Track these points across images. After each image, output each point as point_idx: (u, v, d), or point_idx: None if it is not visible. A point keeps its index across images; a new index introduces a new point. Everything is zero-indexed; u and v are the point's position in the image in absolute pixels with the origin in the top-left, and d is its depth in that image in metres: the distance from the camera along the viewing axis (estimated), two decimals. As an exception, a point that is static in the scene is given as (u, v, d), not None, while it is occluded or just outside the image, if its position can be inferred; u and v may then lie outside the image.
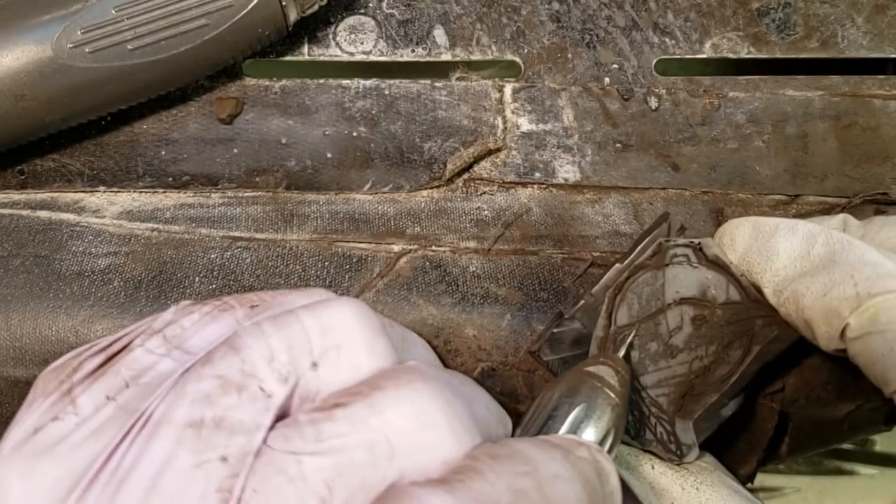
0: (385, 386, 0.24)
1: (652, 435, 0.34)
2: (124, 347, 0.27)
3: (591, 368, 0.31)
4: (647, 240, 0.35)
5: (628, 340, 0.34)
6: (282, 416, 0.24)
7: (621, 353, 0.33)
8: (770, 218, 0.34)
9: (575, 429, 0.29)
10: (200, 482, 0.21)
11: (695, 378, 0.34)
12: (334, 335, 0.26)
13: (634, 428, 0.34)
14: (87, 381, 0.25)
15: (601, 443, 0.29)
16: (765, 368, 0.35)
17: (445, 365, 0.38)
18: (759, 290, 0.33)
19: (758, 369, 0.34)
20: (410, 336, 0.33)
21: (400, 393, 0.24)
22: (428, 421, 0.24)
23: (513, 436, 0.30)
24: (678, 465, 0.34)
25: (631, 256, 0.35)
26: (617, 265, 0.35)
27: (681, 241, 0.35)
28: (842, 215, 0.34)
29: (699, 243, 0.34)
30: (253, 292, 0.30)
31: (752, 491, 0.41)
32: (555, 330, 0.35)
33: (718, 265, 0.34)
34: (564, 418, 0.29)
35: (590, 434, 0.29)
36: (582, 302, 0.35)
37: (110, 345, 0.27)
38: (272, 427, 0.23)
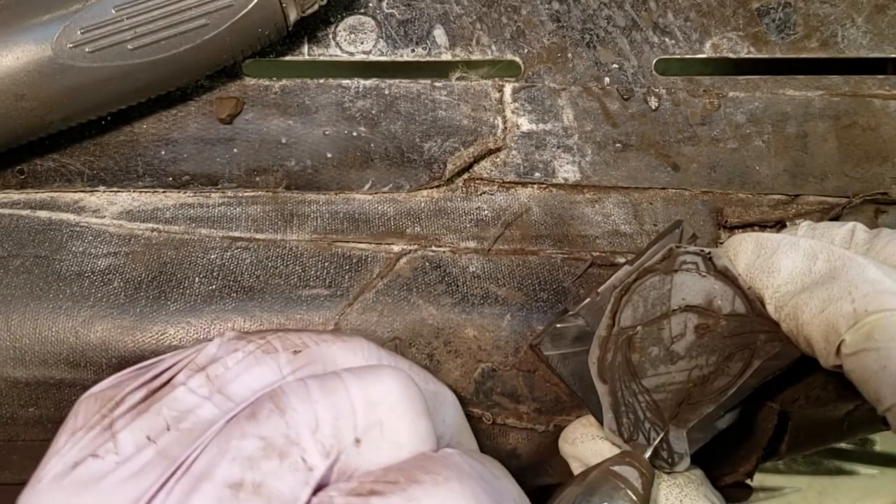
0: (423, 481, 0.24)
1: (645, 440, 0.34)
2: (167, 382, 0.27)
3: (615, 468, 0.31)
4: (658, 244, 0.35)
5: (654, 444, 0.33)
6: (319, 486, 0.24)
7: (648, 453, 0.33)
8: (773, 234, 0.34)
9: None
10: None
11: (693, 387, 0.34)
12: (379, 411, 0.26)
13: (628, 430, 0.34)
14: (128, 415, 0.26)
15: None
16: (765, 383, 0.35)
17: (445, 365, 0.38)
18: (763, 304, 0.33)
19: (756, 384, 0.34)
20: (443, 393, 0.34)
21: (438, 491, 0.24)
22: None
23: None
24: (668, 472, 0.34)
25: (641, 259, 0.35)
26: (626, 266, 0.35)
27: (691, 248, 0.34)
28: (851, 224, 0.34)
29: (709, 253, 0.34)
30: (296, 333, 0.30)
31: (752, 491, 0.41)
32: (558, 325, 0.35)
33: (727, 276, 0.34)
34: None
35: None
36: (588, 300, 0.35)
37: (153, 378, 0.27)
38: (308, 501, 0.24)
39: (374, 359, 0.31)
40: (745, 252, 0.34)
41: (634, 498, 0.30)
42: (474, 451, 0.31)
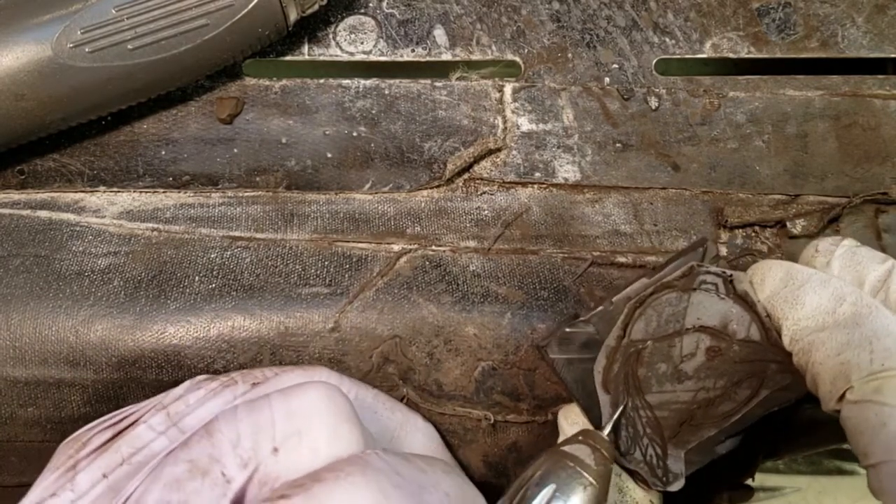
0: (325, 478, 0.25)
1: (641, 455, 0.34)
2: (134, 423, 0.28)
3: (567, 448, 0.31)
4: (679, 260, 0.35)
5: (615, 416, 0.33)
6: (241, 497, 0.25)
7: (606, 430, 0.33)
8: (804, 267, 0.33)
9: None
10: None
11: (697, 408, 0.33)
12: (298, 420, 0.27)
13: (626, 444, 0.34)
14: (91, 456, 0.28)
15: None
16: (768, 416, 0.34)
17: (445, 363, 0.38)
18: (780, 334, 0.33)
19: (762, 414, 0.33)
20: (414, 421, 0.34)
21: (338, 485, 0.25)
22: None
23: None
24: (661, 491, 0.34)
25: (660, 273, 0.34)
26: (644, 279, 0.34)
27: (713, 269, 0.34)
28: (891, 262, 0.33)
29: (731, 275, 0.34)
30: (261, 369, 0.31)
31: (752, 491, 0.41)
32: (567, 329, 0.35)
33: (745, 301, 0.33)
34: (532, 500, 0.29)
35: None
36: (600, 308, 0.35)
37: (121, 419, 0.28)
38: None
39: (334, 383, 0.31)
40: (773, 279, 0.33)
41: (586, 475, 0.30)
42: (413, 454, 0.31)
